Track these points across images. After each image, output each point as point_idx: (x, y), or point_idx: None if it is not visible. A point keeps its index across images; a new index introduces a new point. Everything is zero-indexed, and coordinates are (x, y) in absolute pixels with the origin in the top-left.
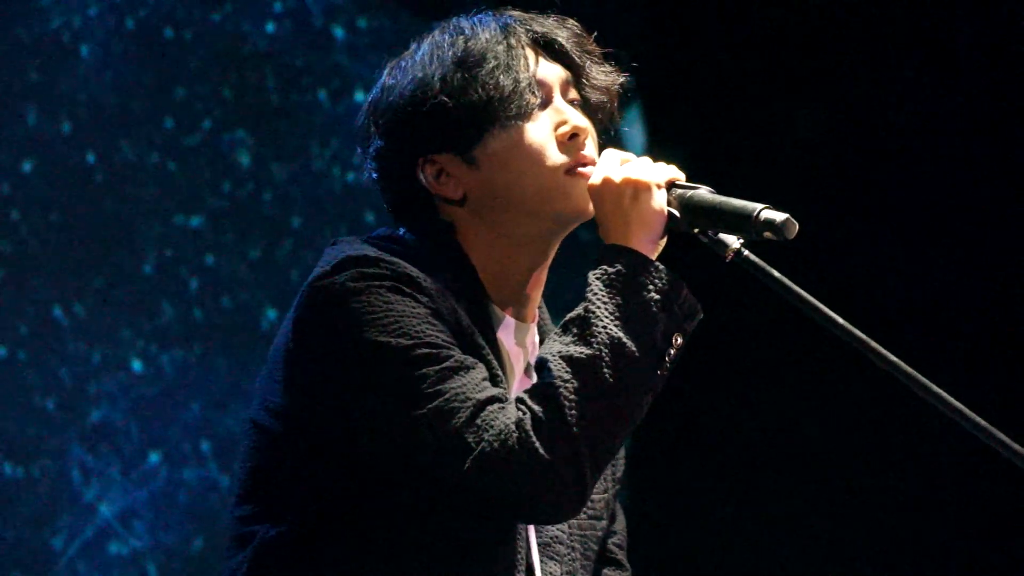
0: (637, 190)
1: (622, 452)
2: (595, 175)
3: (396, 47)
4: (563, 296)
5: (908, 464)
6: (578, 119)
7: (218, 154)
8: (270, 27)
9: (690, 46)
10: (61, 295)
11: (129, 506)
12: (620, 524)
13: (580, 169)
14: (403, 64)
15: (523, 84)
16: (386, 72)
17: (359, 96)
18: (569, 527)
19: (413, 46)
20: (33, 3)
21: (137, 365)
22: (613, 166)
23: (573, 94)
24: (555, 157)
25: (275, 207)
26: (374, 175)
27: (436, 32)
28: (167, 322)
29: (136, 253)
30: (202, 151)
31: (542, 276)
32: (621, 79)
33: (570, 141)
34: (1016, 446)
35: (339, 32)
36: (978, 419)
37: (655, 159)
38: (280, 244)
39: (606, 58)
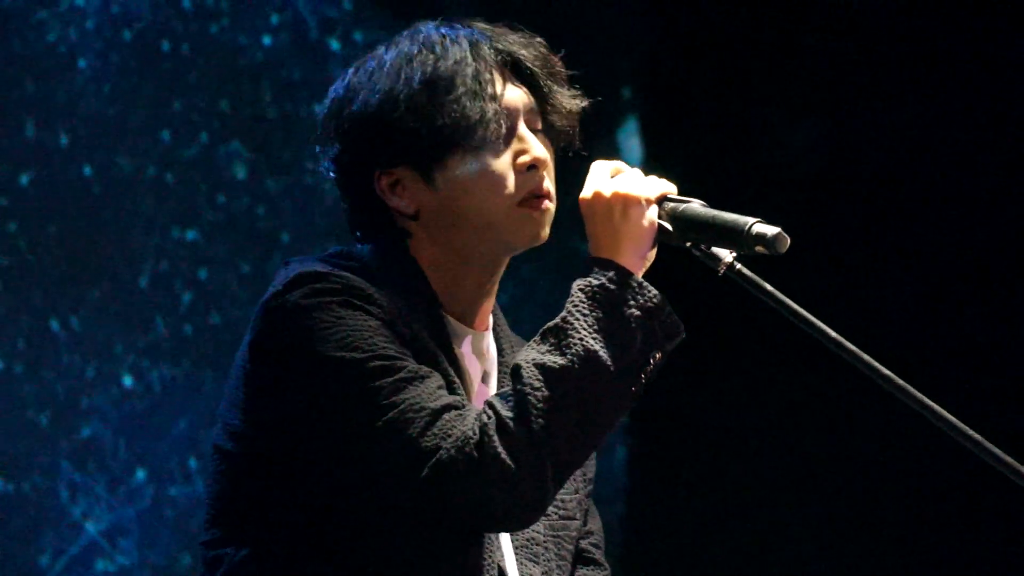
0: (627, 205)
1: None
2: (586, 188)
3: None
4: (561, 303)
5: (898, 474)
6: (539, 150)
7: (214, 167)
8: (267, 40)
9: (687, 60)
10: (58, 308)
11: (116, 523)
12: (596, 524)
13: (534, 201)
14: (369, 68)
15: (490, 114)
16: (351, 71)
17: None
18: (544, 528)
19: (381, 49)
20: (31, 16)
21: (128, 380)
22: (604, 179)
23: (536, 120)
24: (512, 188)
25: (268, 221)
26: (331, 175)
27: (405, 40)
28: (159, 337)
29: (132, 266)
30: (199, 164)
31: (494, 287)
32: (585, 103)
33: (528, 171)
34: (1009, 459)
35: (335, 45)
36: (969, 431)
37: (651, 172)
38: (271, 259)
39: (571, 80)
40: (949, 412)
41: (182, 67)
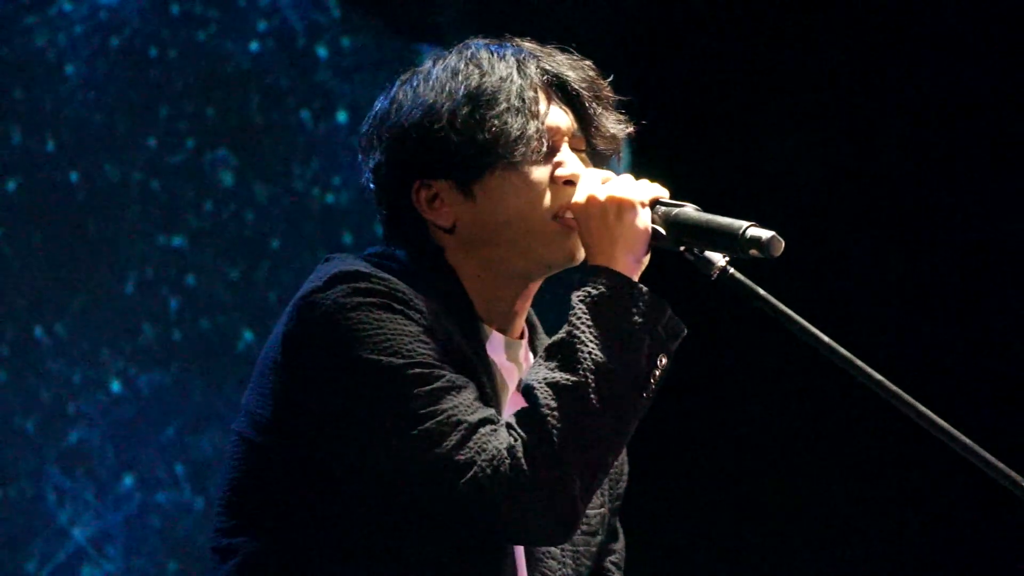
0: (621, 208)
1: (625, 468)
2: (579, 193)
3: (379, 67)
4: (553, 315)
5: (889, 479)
6: (577, 167)
7: (200, 173)
8: (254, 46)
9: (676, 63)
10: (42, 315)
11: (103, 529)
12: (619, 543)
13: (568, 215)
14: (415, 82)
15: (531, 131)
16: (397, 84)
17: (342, 116)
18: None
19: (428, 63)
20: (18, 22)
21: (115, 386)
22: (596, 184)
23: (579, 142)
24: (548, 202)
25: (256, 227)
26: (371, 185)
27: (452, 55)
28: (146, 343)
29: (118, 273)
30: (185, 170)
31: (528, 300)
32: (630, 128)
33: (565, 186)
34: (999, 464)
35: (322, 52)
36: (961, 436)
37: (640, 177)
38: (259, 265)
39: (617, 105)
40: (942, 417)
41: (169, 73)
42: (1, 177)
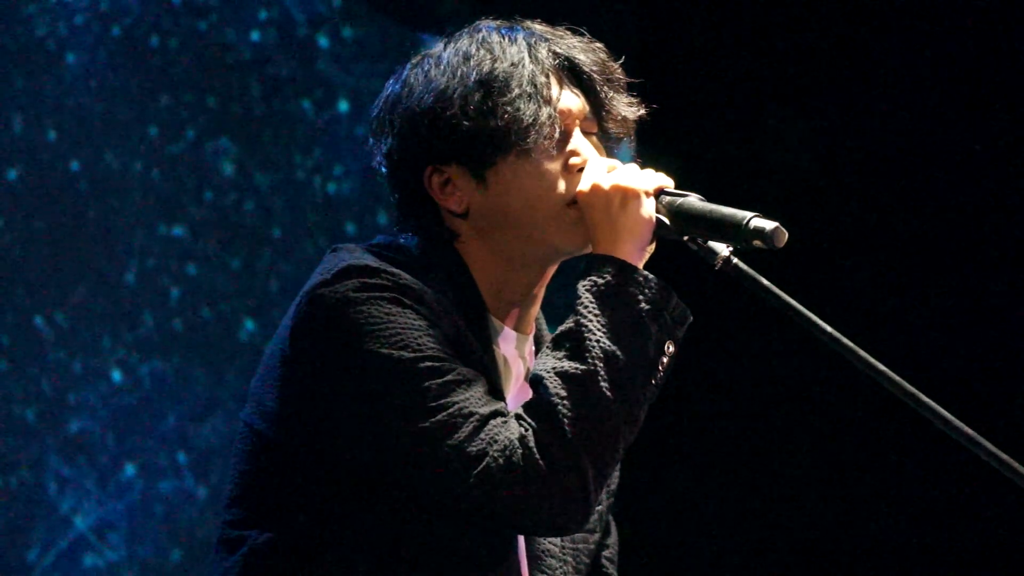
0: (626, 197)
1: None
2: (583, 181)
3: (381, 57)
4: (560, 299)
5: (890, 469)
6: (591, 154)
7: (201, 163)
8: (255, 36)
9: (679, 53)
10: (43, 304)
11: (105, 518)
12: (612, 538)
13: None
14: (426, 65)
15: (544, 117)
16: (408, 67)
17: (343, 106)
18: (562, 540)
19: (439, 46)
20: (19, 10)
21: (116, 375)
22: (601, 173)
23: (591, 125)
24: (562, 189)
25: (257, 217)
26: (383, 169)
27: (464, 38)
28: (147, 332)
29: (119, 262)
30: (185, 160)
31: (540, 292)
32: (642, 111)
33: (579, 174)
34: (1000, 453)
35: (324, 41)
36: (962, 425)
37: (645, 165)
38: (260, 254)
39: (629, 88)
40: (942, 406)
41: (170, 63)
42: (2, 166)
